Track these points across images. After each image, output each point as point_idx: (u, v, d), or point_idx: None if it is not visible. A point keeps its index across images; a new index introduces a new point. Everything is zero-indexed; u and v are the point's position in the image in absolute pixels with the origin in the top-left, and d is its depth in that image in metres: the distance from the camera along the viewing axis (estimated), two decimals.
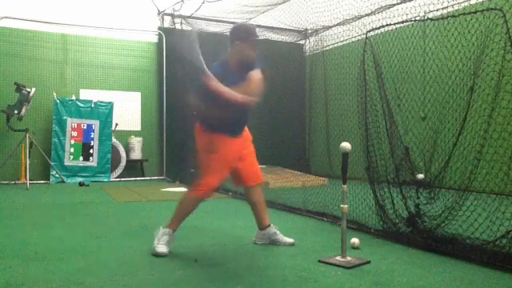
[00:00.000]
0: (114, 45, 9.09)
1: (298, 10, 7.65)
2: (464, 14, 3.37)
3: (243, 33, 3.23)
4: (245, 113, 3.30)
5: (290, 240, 3.46)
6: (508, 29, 2.93)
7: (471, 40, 3.41)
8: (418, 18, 4.41)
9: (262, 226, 3.47)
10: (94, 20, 8.83)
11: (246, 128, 3.43)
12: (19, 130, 7.71)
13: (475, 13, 3.26)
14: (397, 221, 3.60)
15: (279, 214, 4.71)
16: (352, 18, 7.31)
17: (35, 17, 8.37)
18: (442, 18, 3.86)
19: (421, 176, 3.56)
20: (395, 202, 3.69)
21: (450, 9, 5.45)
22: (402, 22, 3.98)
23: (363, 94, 3.92)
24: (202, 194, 3.19)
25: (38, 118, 8.43)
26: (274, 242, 3.45)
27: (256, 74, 3.18)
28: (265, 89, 3.23)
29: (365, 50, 3.97)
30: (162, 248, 3.10)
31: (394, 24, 3.98)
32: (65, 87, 8.74)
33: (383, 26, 4.03)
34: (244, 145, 3.37)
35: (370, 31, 4.07)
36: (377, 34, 4.18)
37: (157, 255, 3.07)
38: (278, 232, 3.48)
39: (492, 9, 3.07)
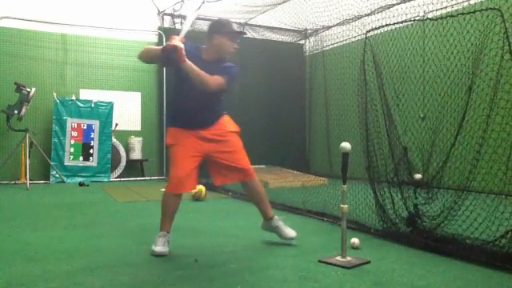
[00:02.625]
0: (114, 45, 9.10)
1: (297, 10, 7.65)
2: (463, 13, 3.37)
3: (218, 25, 3.28)
4: (205, 106, 3.29)
5: (291, 234, 3.44)
6: (506, 29, 2.93)
7: (470, 40, 3.42)
8: (417, 18, 4.41)
9: (266, 218, 3.52)
10: (94, 20, 8.83)
11: (226, 120, 3.42)
12: (19, 130, 7.71)
13: (474, 12, 3.26)
14: (397, 221, 3.60)
15: (279, 214, 4.66)
16: (352, 18, 7.32)
17: (35, 17, 8.37)
18: (441, 17, 3.86)
19: (418, 176, 3.56)
20: (395, 201, 3.69)
21: (449, 9, 5.46)
22: (402, 22, 3.98)
23: (364, 93, 3.92)
24: (171, 188, 3.22)
25: (37, 118, 8.44)
26: (276, 233, 3.48)
27: (219, 78, 3.16)
28: (220, 92, 3.26)
29: (365, 50, 3.98)
30: (159, 248, 3.10)
31: (394, 24, 3.98)
32: (65, 87, 8.74)
33: (383, 26, 4.04)
34: (214, 137, 3.33)
35: (369, 31, 4.07)
36: (376, 34, 4.18)
37: (157, 255, 3.07)
38: (279, 225, 3.48)
39: (490, 8, 3.07)
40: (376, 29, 4.02)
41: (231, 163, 3.36)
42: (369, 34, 4.04)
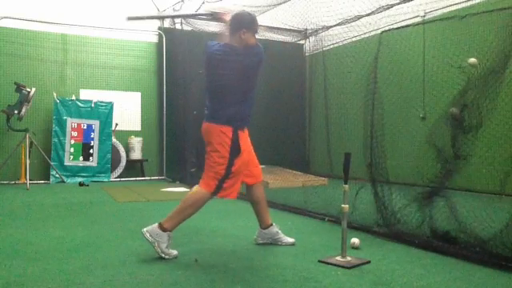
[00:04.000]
0: (114, 45, 9.09)
1: (298, 10, 7.64)
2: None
3: (250, 22, 3.24)
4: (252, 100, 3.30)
5: (291, 240, 3.46)
6: None
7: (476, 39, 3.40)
8: (419, 19, 4.41)
9: (265, 226, 3.47)
10: (94, 20, 8.83)
11: None
12: (19, 130, 7.71)
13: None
14: (397, 221, 3.60)
15: (279, 214, 4.71)
16: (352, 18, 7.31)
17: (35, 17, 8.37)
18: (443, 18, 3.86)
19: (472, 60, 3.38)
20: (395, 201, 3.69)
21: (449, 9, 5.45)
22: (411, 21, 3.97)
23: (371, 91, 3.90)
24: (225, 195, 3.15)
25: (37, 118, 8.43)
26: (275, 242, 3.45)
27: None
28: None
29: (378, 50, 3.96)
30: (173, 251, 3.07)
31: (403, 21, 3.97)
32: (65, 87, 8.74)
33: (396, 23, 4.01)
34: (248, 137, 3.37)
35: (383, 31, 4.03)
36: (376, 34, 4.18)
37: (170, 257, 3.03)
38: (279, 232, 3.47)
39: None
40: (391, 28, 4.00)
41: (255, 162, 3.40)
42: (370, 34, 4.04)
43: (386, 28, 4.12)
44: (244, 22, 3.20)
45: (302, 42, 9.99)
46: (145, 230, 3.08)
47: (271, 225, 3.47)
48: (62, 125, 8.37)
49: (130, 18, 3.49)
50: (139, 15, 3.77)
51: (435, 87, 6.08)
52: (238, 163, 3.15)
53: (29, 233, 3.90)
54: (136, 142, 9.01)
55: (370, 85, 3.92)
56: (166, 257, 3.02)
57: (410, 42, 5.73)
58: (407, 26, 4.50)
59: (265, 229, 3.47)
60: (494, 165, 4.21)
